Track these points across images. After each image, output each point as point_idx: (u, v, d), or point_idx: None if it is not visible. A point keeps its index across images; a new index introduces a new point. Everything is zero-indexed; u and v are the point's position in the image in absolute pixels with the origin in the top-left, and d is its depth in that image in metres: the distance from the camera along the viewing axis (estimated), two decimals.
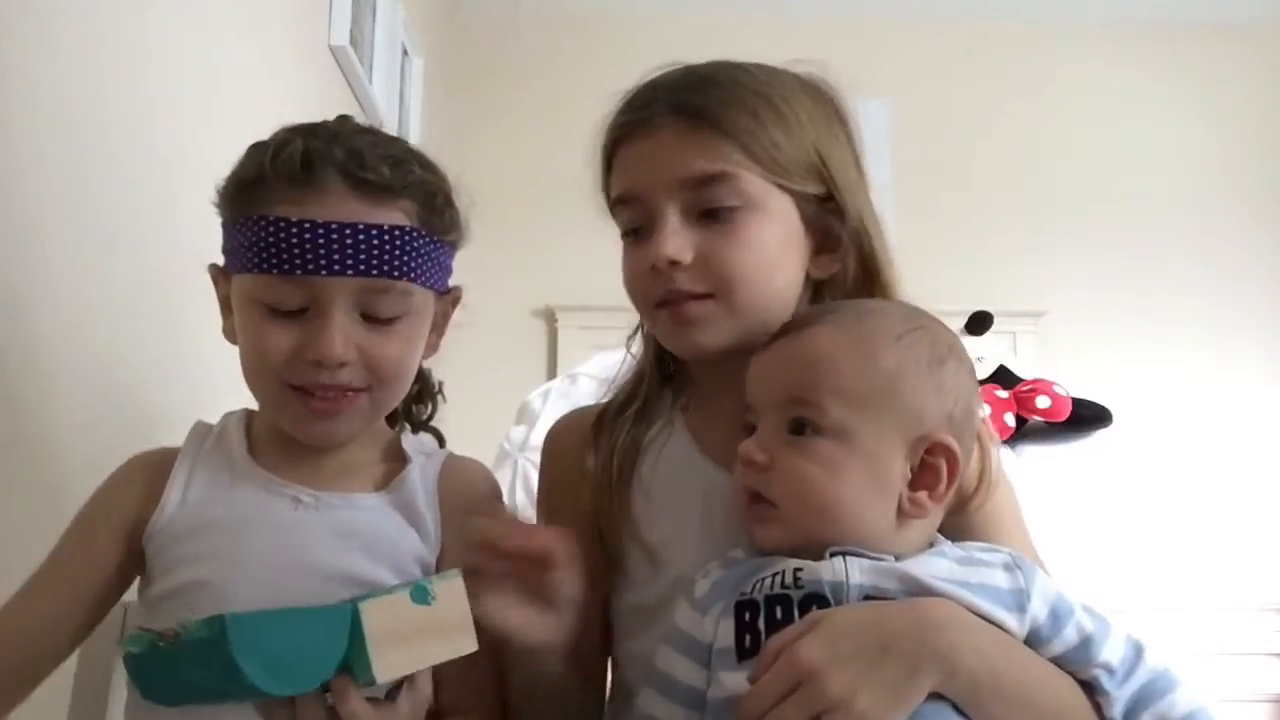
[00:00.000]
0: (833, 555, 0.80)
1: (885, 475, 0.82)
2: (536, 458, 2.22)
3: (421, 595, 0.77)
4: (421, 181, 0.96)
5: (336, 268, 0.89)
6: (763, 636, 0.78)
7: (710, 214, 0.92)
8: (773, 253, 0.94)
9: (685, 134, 0.92)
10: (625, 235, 0.99)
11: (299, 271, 0.89)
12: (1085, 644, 0.81)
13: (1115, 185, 3.97)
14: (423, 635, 0.77)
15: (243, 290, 0.94)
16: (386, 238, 0.91)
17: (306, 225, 0.89)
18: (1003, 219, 3.91)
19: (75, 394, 1.19)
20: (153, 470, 0.97)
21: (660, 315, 0.95)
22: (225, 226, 0.95)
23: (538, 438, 2.28)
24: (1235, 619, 2.38)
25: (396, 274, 0.92)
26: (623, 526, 0.96)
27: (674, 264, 0.91)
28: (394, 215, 0.92)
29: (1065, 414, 2.10)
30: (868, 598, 0.78)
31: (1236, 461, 3.43)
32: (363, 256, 0.90)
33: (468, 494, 0.98)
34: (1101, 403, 2.18)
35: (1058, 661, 0.81)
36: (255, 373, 0.94)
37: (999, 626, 0.79)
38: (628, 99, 0.98)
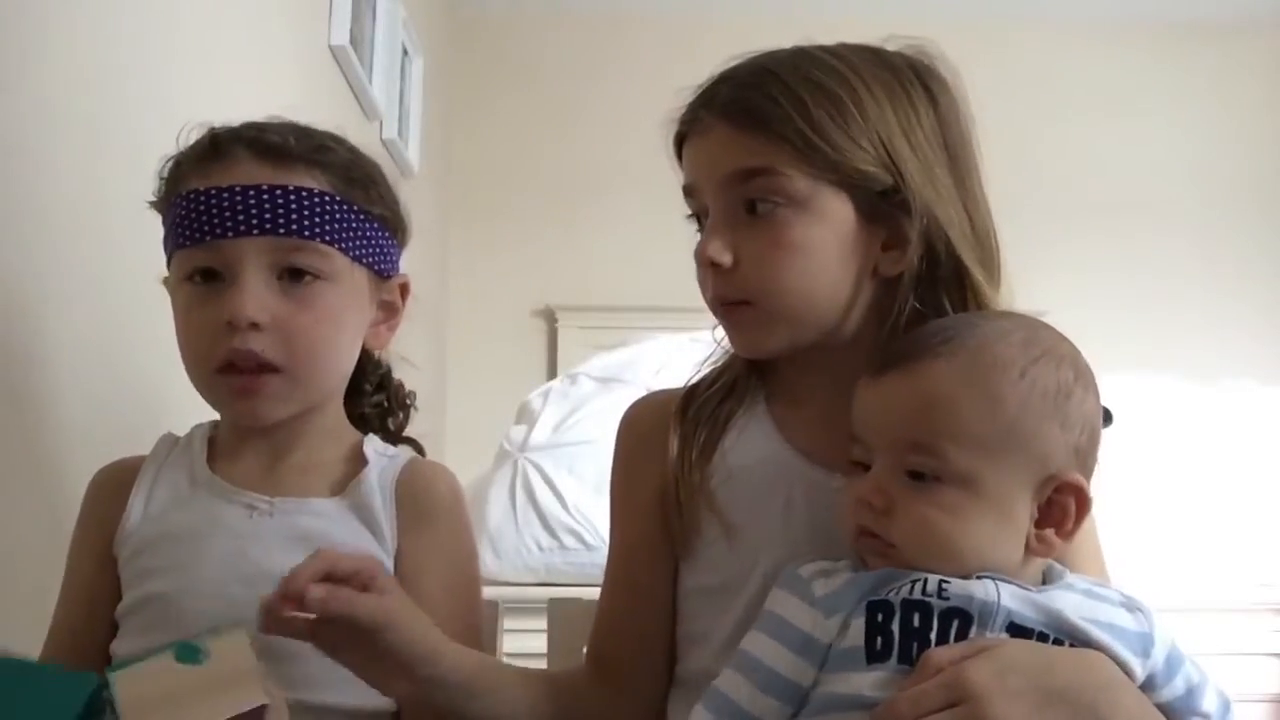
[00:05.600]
0: (980, 577, 0.79)
1: (1012, 518, 0.80)
2: (536, 458, 2.24)
3: (190, 654, 0.72)
4: (335, 153, 0.97)
5: (243, 228, 0.90)
6: (896, 639, 0.77)
7: (753, 213, 0.90)
8: (818, 255, 0.90)
9: (731, 133, 0.91)
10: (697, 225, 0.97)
11: (208, 237, 0.91)
12: (1190, 694, 0.82)
13: (1115, 185, 3.97)
14: (195, 696, 0.71)
15: (173, 276, 0.96)
16: (293, 197, 0.92)
17: (212, 191, 0.91)
18: (1002, 219, 3.89)
19: (78, 393, 1.19)
20: (113, 484, 0.98)
21: (718, 314, 0.94)
22: (162, 224, 0.97)
23: (538, 438, 2.28)
24: (1235, 619, 2.38)
25: (306, 233, 0.92)
26: (700, 499, 0.94)
27: (715, 265, 0.90)
28: (302, 178, 0.93)
29: None
30: (1012, 624, 0.78)
31: (1236, 462, 3.42)
32: (268, 215, 0.91)
33: (427, 497, 0.98)
34: (1102, 403, 2.18)
35: (1161, 708, 0.81)
36: (187, 359, 0.95)
37: (1126, 672, 0.79)
38: (692, 96, 0.96)
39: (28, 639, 0.93)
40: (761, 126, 0.90)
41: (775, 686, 0.79)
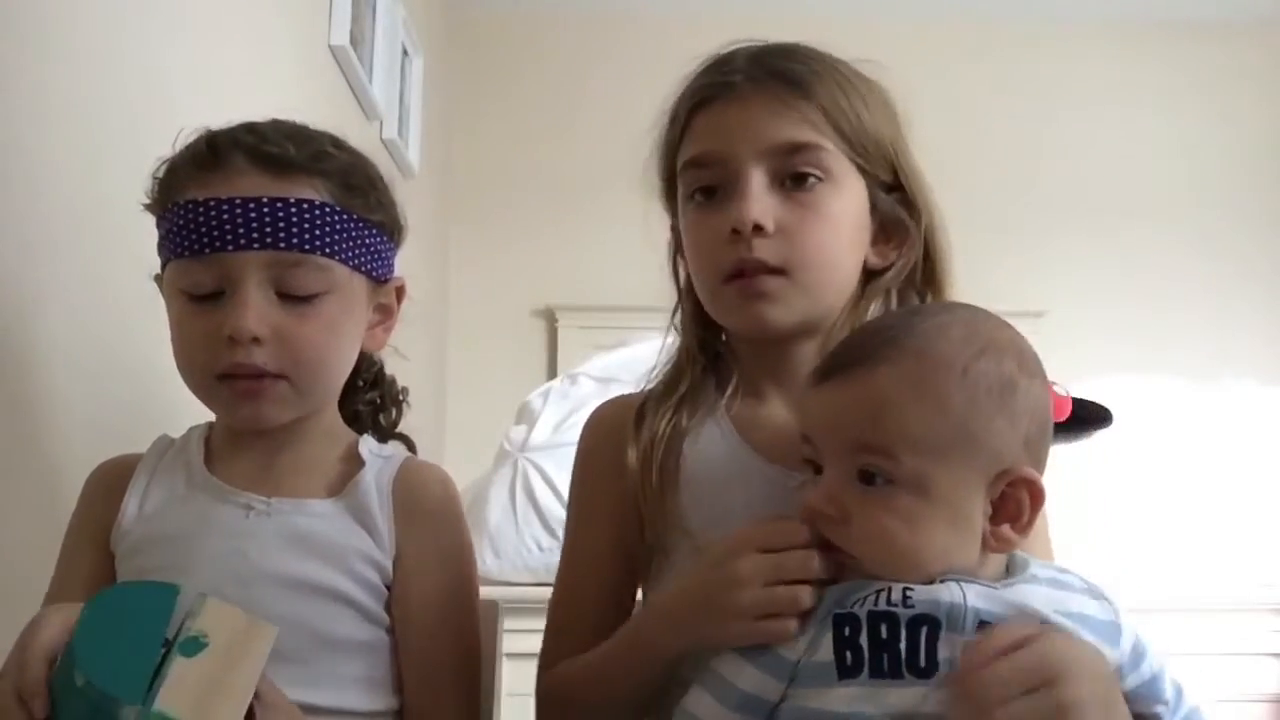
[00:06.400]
0: (944, 580, 0.78)
1: (967, 518, 0.79)
2: (536, 458, 2.24)
3: (194, 646, 0.74)
4: (335, 159, 0.96)
5: (243, 242, 0.89)
6: (866, 653, 0.76)
7: (792, 185, 0.91)
8: (847, 232, 0.93)
9: (776, 100, 0.91)
10: (692, 198, 0.96)
11: (208, 250, 0.90)
12: (1154, 680, 0.82)
13: (1115, 185, 3.97)
14: (227, 671, 0.74)
15: (168, 282, 0.95)
16: (294, 210, 0.91)
17: (212, 203, 0.90)
18: (1003, 219, 3.91)
19: (79, 394, 1.19)
20: (112, 479, 0.98)
21: (728, 289, 0.93)
22: (156, 226, 0.96)
23: (538, 438, 2.28)
24: (1235, 619, 2.38)
25: (307, 247, 0.91)
26: (667, 517, 0.94)
27: (758, 229, 0.90)
28: (302, 189, 0.92)
29: (1065, 414, 2.09)
30: (982, 622, 0.77)
31: (1236, 462, 3.43)
32: (269, 229, 0.90)
33: (422, 498, 0.98)
34: (1102, 403, 2.17)
35: (1127, 696, 0.80)
36: (183, 366, 0.95)
37: None
38: (712, 62, 0.97)
39: None
40: (808, 96, 0.91)
41: (741, 703, 0.79)
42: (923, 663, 0.75)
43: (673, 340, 1.04)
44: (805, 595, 0.78)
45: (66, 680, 0.73)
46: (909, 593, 0.77)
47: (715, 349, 1.01)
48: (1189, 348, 3.73)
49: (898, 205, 0.95)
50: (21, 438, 1.10)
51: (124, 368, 1.30)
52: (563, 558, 1.03)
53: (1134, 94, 4.03)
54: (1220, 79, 4.03)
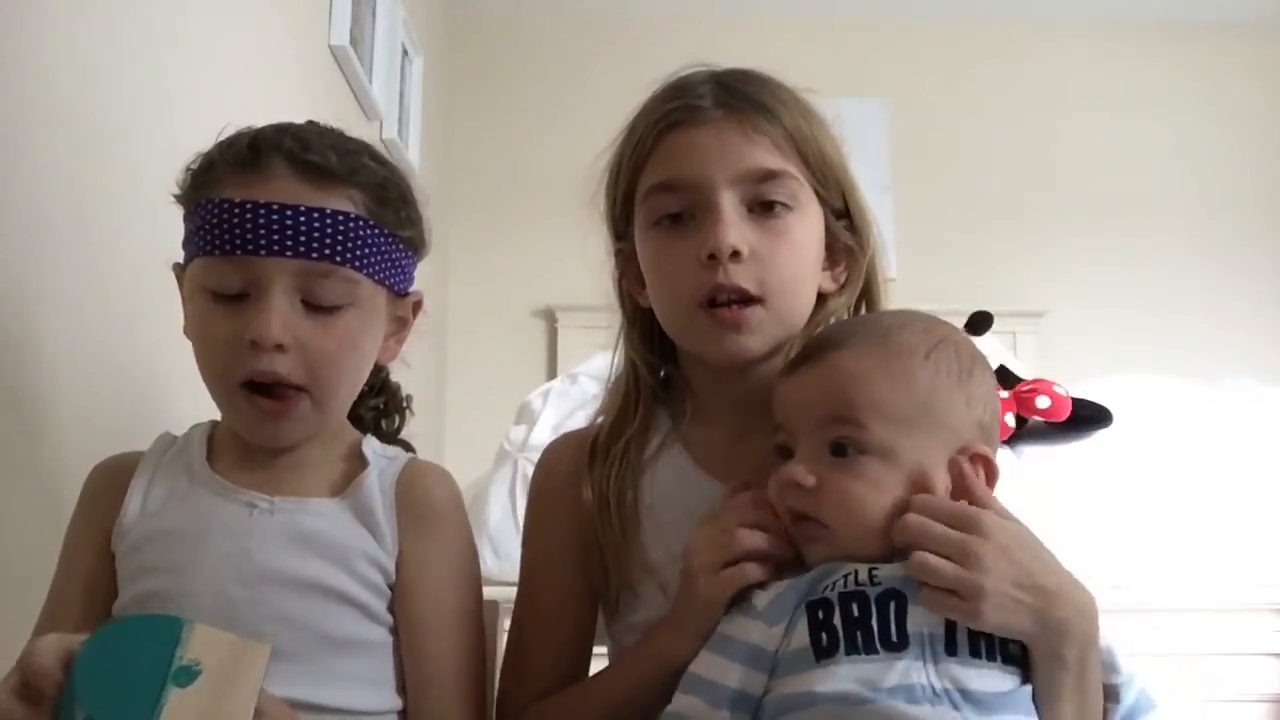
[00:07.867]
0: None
1: (930, 490, 0.83)
2: (536, 457, 2.23)
3: (186, 676, 0.74)
4: (372, 172, 0.96)
5: (275, 248, 0.89)
6: (840, 634, 0.79)
7: (761, 211, 0.92)
8: (811, 257, 0.95)
9: (748, 125, 0.92)
10: (658, 223, 0.95)
11: (238, 251, 0.90)
12: (1107, 651, 0.84)
13: (1115, 185, 3.98)
14: (223, 693, 0.74)
15: (192, 278, 0.95)
16: (329, 221, 0.91)
17: (248, 206, 0.90)
18: (1003, 219, 3.91)
19: (78, 391, 1.19)
20: (114, 477, 0.98)
21: (702, 316, 0.92)
22: (184, 219, 0.96)
23: (538, 438, 2.28)
24: (1235, 619, 2.38)
25: (338, 259, 0.91)
26: (632, 555, 0.95)
27: (734, 254, 0.90)
28: (339, 201, 0.92)
29: (1065, 414, 2.09)
30: None
31: (1236, 462, 3.42)
32: (303, 238, 0.90)
33: (425, 499, 0.98)
34: (1101, 403, 2.18)
35: None
36: (204, 366, 0.95)
37: None
38: (675, 86, 0.96)
39: (24, 637, 0.93)
40: (778, 125, 0.92)
41: (729, 701, 0.81)
42: (894, 636, 0.79)
43: (618, 364, 1.04)
44: (751, 537, 0.84)
45: (68, 716, 0.72)
46: (875, 571, 0.81)
47: (662, 373, 1.02)
48: (1189, 348, 3.73)
49: (846, 232, 0.97)
50: (21, 437, 1.10)
51: (124, 367, 1.30)
52: (521, 601, 1.02)
53: (1134, 94, 4.03)
54: (1220, 79, 4.03)
